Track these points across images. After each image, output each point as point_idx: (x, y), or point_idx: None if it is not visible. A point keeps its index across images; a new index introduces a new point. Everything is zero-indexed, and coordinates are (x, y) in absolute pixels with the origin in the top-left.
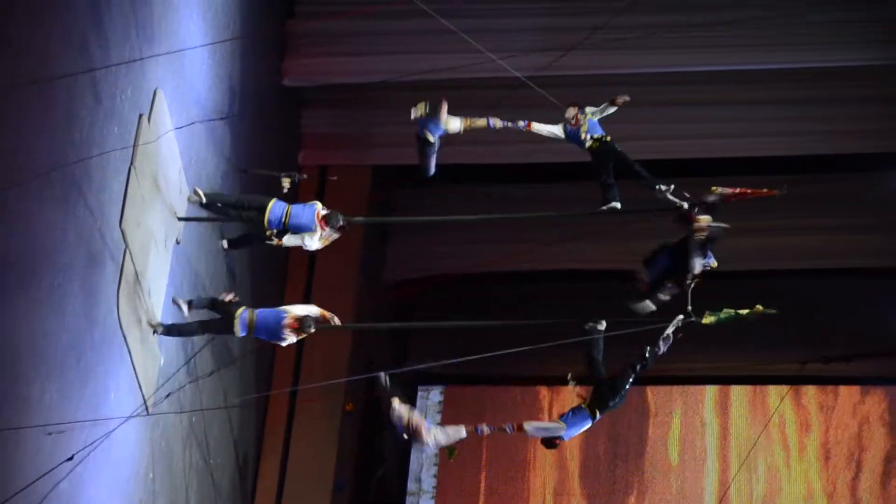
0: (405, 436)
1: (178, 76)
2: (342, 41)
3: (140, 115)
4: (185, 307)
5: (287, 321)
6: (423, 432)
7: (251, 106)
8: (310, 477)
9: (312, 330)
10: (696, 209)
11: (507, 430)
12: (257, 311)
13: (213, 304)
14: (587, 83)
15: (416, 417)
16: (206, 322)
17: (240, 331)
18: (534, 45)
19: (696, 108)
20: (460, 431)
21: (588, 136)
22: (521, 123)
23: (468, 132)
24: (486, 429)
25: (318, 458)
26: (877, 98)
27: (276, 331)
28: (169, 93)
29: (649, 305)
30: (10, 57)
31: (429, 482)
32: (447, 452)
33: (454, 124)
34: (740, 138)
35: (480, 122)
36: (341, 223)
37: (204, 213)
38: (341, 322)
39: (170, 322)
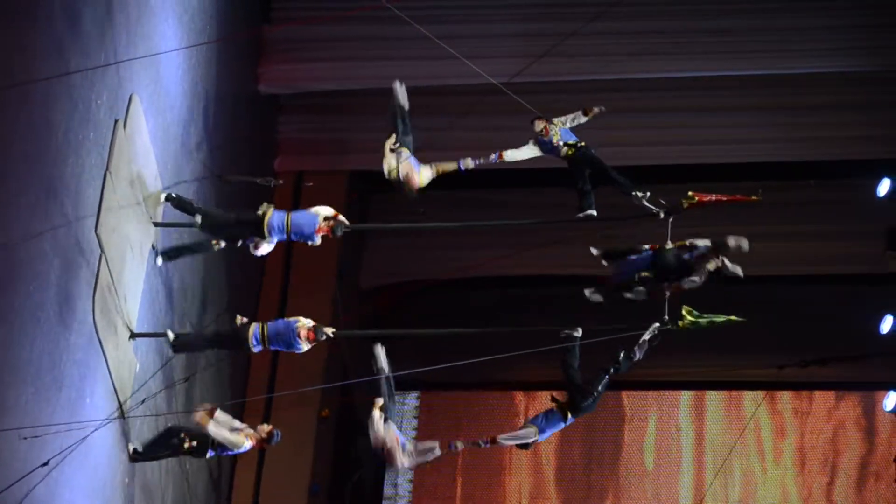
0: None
1: (153, 81)
2: (318, 47)
3: (116, 121)
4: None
5: (300, 329)
6: (397, 456)
7: (227, 111)
8: (285, 481)
9: (324, 337)
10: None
11: (481, 444)
12: (268, 323)
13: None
14: (564, 89)
15: (392, 438)
16: (217, 336)
17: (253, 345)
18: (510, 51)
19: (674, 115)
20: (434, 450)
21: (561, 144)
22: (493, 157)
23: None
24: (459, 445)
25: (293, 463)
26: (855, 105)
27: (289, 340)
28: (145, 98)
29: (598, 297)
30: None
31: (405, 487)
32: None
33: (426, 176)
34: (718, 144)
35: (450, 166)
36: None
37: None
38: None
39: (181, 334)
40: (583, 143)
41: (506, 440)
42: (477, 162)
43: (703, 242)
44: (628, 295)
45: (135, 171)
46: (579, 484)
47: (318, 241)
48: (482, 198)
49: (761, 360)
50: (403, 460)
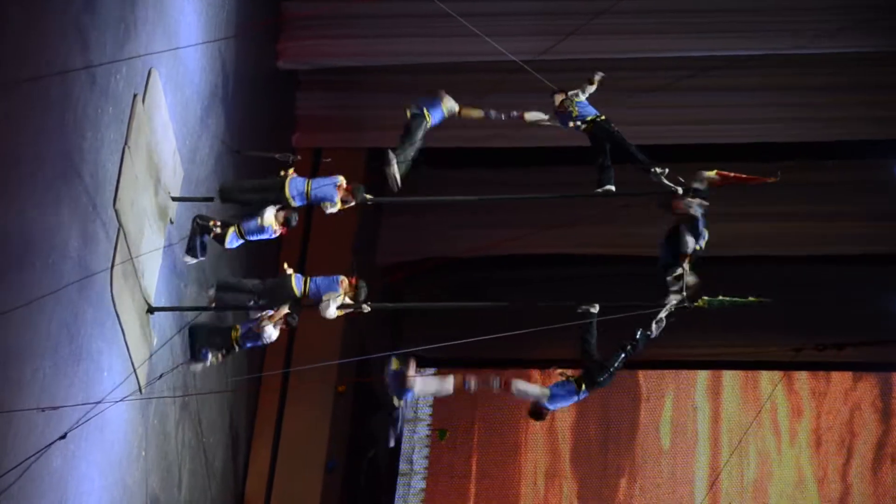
0: (393, 390)
1: (172, 56)
2: (337, 23)
3: (135, 95)
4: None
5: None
6: (409, 376)
7: (245, 87)
8: (301, 457)
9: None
10: (684, 194)
11: (494, 385)
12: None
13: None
14: (585, 68)
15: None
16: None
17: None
18: (531, 29)
19: (692, 94)
20: (447, 383)
21: (579, 120)
22: (514, 114)
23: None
24: (473, 383)
25: (309, 439)
26: (874, 85)
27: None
28: (163, 73)
29: (672, 299)
30: (4, 36)
31: (420, 463)
32: (438, 434)
33: (449, 106)
34: (736, 124)
35: (476, 112)
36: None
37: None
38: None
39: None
40: (602, 118)
41: (518, 386)
42: (501, 116)
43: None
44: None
45: (153, 146)
46: (595, 463)
47: (336, 200)
48: (498, 177)
49: (778, 341)
50: (416, 381)
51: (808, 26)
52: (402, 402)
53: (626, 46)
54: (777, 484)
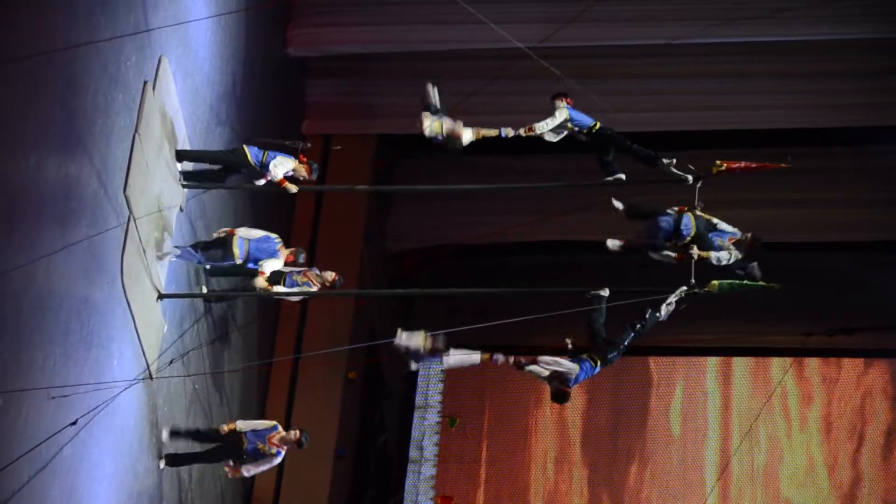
0: (417, 361)
1: (182, 44)
2: (347, 10)
3: (145, 83)
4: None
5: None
6: (442, 352)
7: (255, 74)
8: (311, 444)
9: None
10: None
11: (524, 364)
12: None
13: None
14: (590, 54)
15: (432, 341)
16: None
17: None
18: (536, 15)
19: (700, 81)
20: (474, 356)
21: (577, 128)
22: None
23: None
24: (501, 358)
25: (319, 426)
26: (882, 71)
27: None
28: (173, 60)
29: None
30: (16, 24)
31: (430, 450)
32: (448, 422)
33: (467, 136)
34: (743, 111)
35: (491, 132)
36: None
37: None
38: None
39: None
40: (598, 126)
41: (546, 363)
42: (516, 131)
43: (730, 228)
44: (655, 256)
45: (163, 133)
46: (605, 449)
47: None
48: (505, 164)
49: (788, 327)
50: (447, 360)
51: (815, 13)
52: (418, 366)
53: (631, 33)
54: (787, 470)
